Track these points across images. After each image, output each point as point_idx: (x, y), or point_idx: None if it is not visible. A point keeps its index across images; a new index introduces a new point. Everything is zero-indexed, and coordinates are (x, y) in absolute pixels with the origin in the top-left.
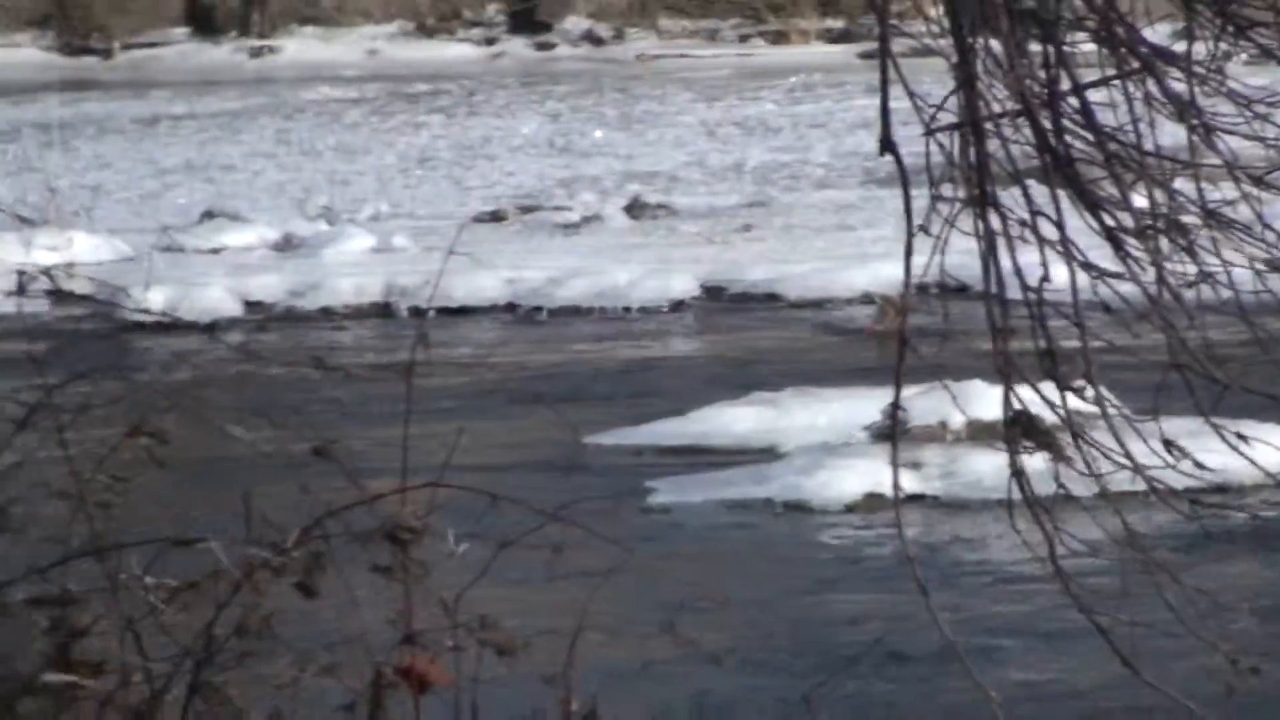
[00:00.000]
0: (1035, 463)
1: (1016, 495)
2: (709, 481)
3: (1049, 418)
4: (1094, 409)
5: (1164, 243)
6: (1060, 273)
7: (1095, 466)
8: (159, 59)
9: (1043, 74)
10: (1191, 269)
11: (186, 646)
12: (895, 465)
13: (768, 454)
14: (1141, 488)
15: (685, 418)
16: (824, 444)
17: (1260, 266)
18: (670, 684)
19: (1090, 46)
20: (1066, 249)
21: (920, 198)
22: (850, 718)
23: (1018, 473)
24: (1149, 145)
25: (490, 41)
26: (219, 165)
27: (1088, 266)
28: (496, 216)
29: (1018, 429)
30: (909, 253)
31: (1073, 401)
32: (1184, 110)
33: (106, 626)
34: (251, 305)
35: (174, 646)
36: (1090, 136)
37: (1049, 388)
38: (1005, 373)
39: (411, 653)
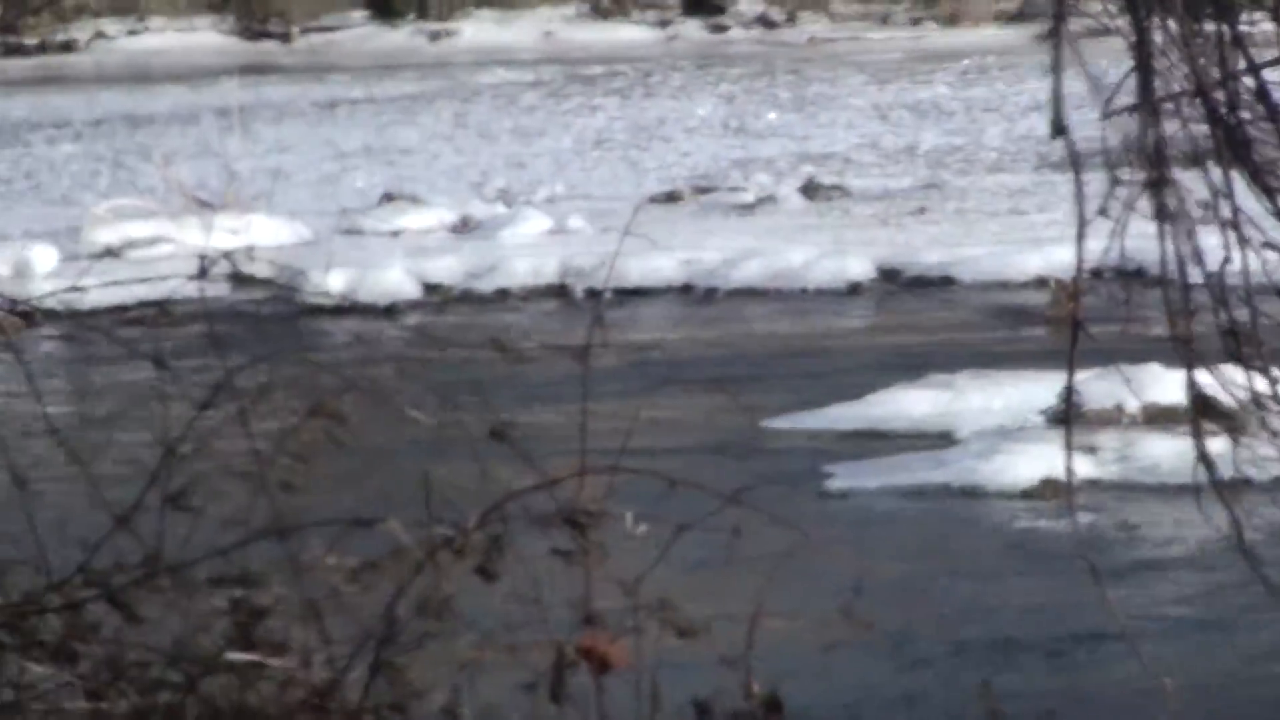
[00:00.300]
0: (1216, 446)
1: (1199, 478)
2: (885, 466)
3: (1232, 400)
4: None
5: None
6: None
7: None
8: (337, 43)
9: (1217, 54)
10: None
11: (368, 627)
12: (1069, 450)
13: (943, 438)
14: None
15: (861, 401)
16: (1000, 428)
17: None
18: (848, 668)
19: (1269, 26)
20: (1238, 230)
21: (1097, 181)
22: (1026, 704)
23: (1203, 456)
24: None
25: (664, 24)
26: (397, 148)
27: (1270, 247)
28: (672, 198)
29: (1201, 412)
30: (1081, 237)
31: (1257, 383)
32: None
33: (288, 607)
34: (430, 287)
35: (355, 627)
36: (1266, 117)
37: (1231, 370)
38: (1186, 356)
39: (592, 634)
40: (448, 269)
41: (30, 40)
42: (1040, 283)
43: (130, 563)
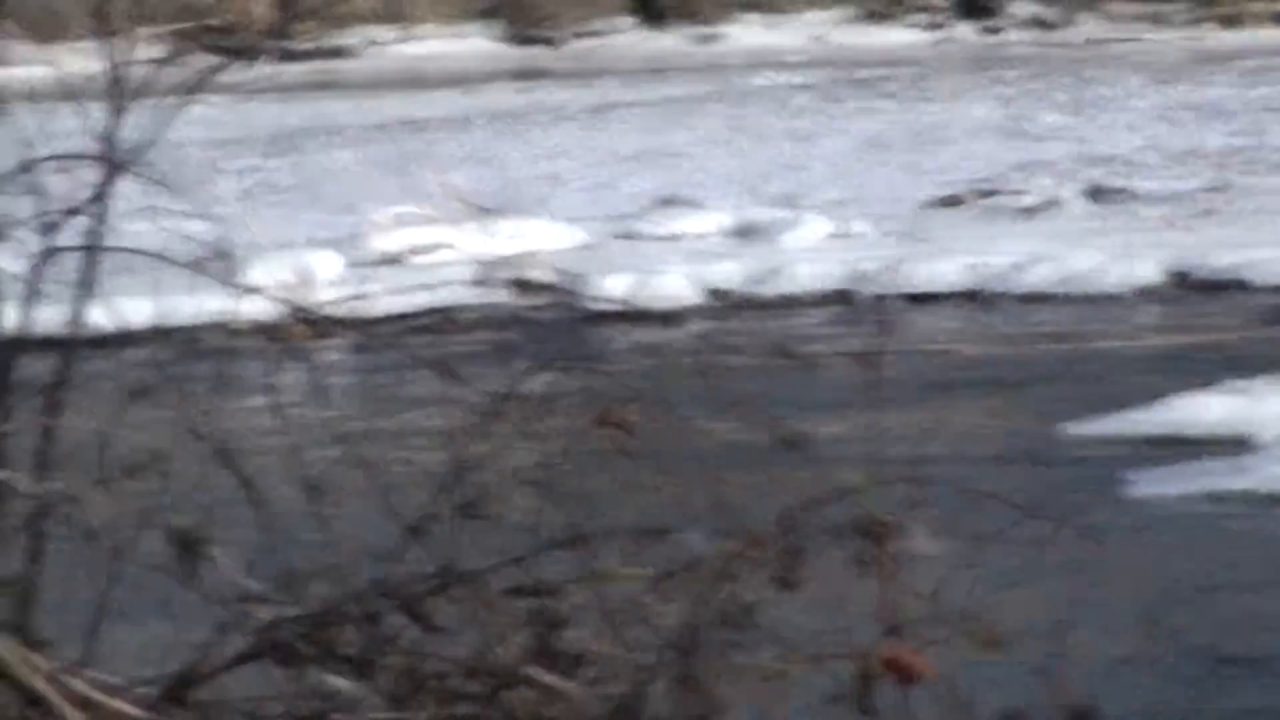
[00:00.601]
0: None
1: None
2: (1185, 472)
3: None
4: None
5: None
6: None
7: None
8: (606, 47)
9: None
10: None
11: (668, 637)
12: None
13: (1242, 444)
14: None
15: (1155, 406)
16: None
17: None
18: (1156, 679)
19: None
20: None
21: None
22: None
23: None
24: None
25: (935, 27)
26: (671, 152)
27: None
28: (952, 201)
29: None
30: None
31: None
32: None
33: (587, 618)
34: (712, 293)
35: (655, 637)
36: None
37: None
38: None
39: (896, 645)
40: (728, 274)
41: (303, 46)
42: None
43: (424, 573)
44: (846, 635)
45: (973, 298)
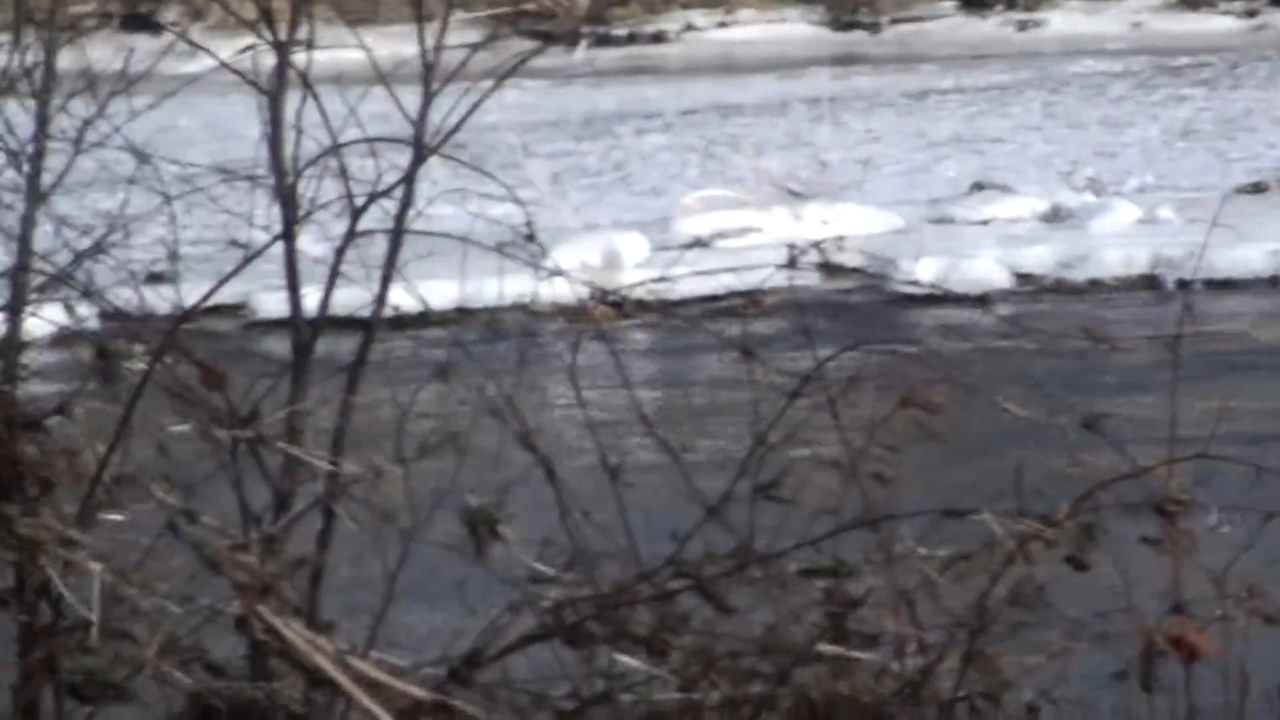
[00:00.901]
0: None
1: None
2: None
3: None
4: None
5: None
6: None
7: None
8: (926, 33)
9: None
10: None
11: (959, 617)
12: None
13: None
14: None
15: None
16: None
17: None
18: None
19: None
20: None
21: None
22: None
23: None
24: None
25: (1252, 14)
26: (986, 138)
27: None
28: (1258, 188)
29: None
30: None
31: None
32: None
33: (880, 597)
34: (1021, 277)
35: (947, 617)
36: None
37: None
38: None
39: (1180, 622)
40: (1038, 258)
41: (620, 31)
42: None
43: (720, 553)
44: (1134, 613)
45: (1275, 284)
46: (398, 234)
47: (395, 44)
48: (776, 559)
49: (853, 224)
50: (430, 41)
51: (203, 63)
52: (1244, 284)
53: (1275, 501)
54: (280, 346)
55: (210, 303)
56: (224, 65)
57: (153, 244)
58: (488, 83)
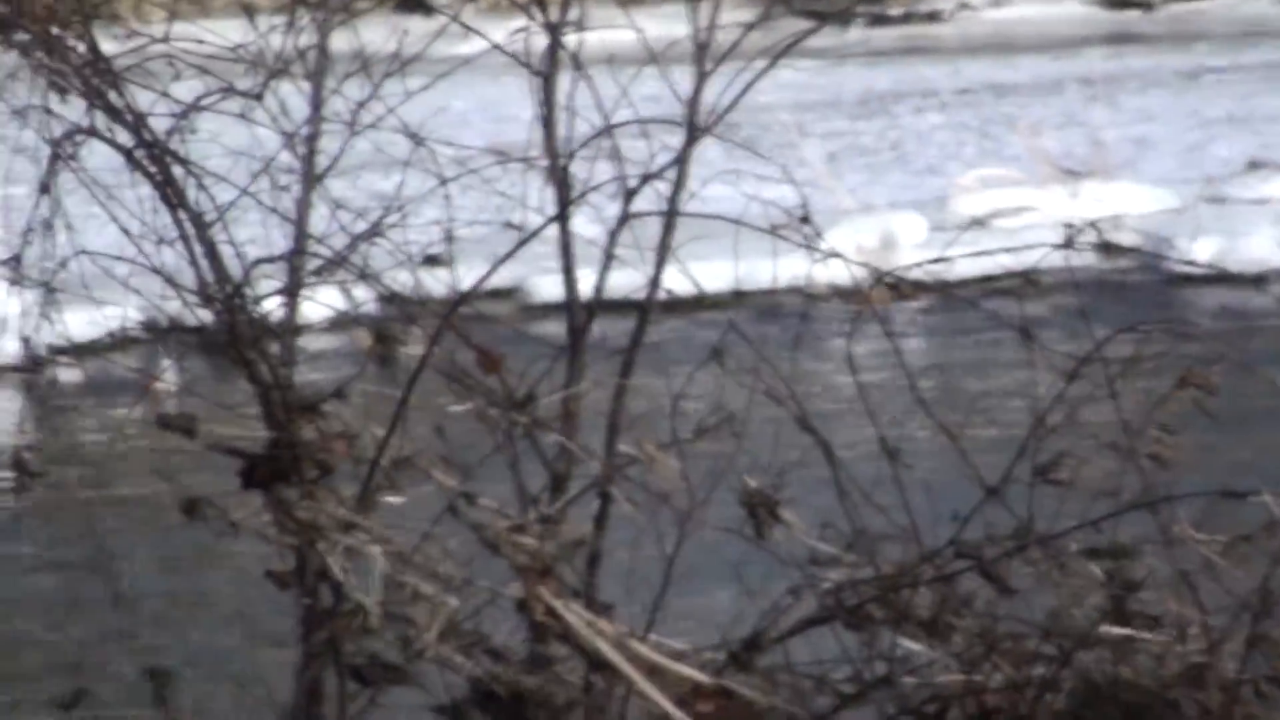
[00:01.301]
0: None
1: None
2: None
3: None
4: None
5: None
6: None
7: None
8: (1201, 12)
9: None
10: None
11: (1242, 599)
12: None
13: None
14: None
15: None
16: None
17: None
18: None
19: None
20: None
21: None
22: None
23: None
24: None
25: None
26: (1262, 116)
27: None
28: None
29: None
30: None
31: None
32: None
33: (1162, 579)
34: None
35: (1229, 599)
36: None
37: None
38: None
39: None
40: None
41: (895, 11)
42: None
43: (1000, 534)
44: None
45: None
46: (671, 216)
47: (667, 24)
48: (1056, 540)
49: (1128, 203)
50: (703, 21)
51: (475, 45)
52: None
53: None
54: (555, 330)
55: (486, 286)
56: (496, 47)
57: (428, 226)
58: (761, 62)
